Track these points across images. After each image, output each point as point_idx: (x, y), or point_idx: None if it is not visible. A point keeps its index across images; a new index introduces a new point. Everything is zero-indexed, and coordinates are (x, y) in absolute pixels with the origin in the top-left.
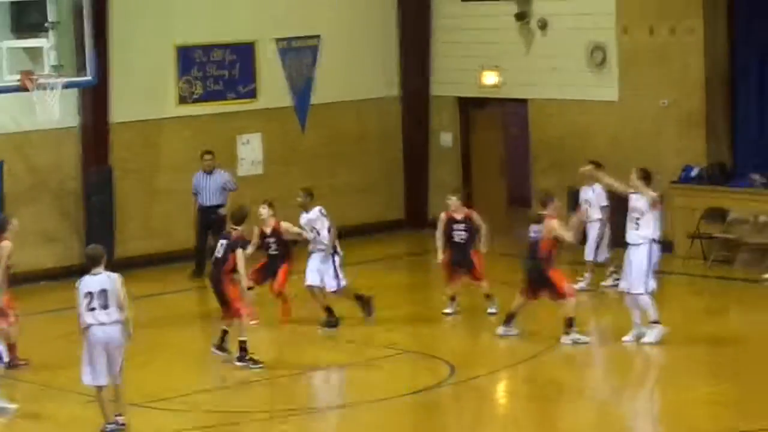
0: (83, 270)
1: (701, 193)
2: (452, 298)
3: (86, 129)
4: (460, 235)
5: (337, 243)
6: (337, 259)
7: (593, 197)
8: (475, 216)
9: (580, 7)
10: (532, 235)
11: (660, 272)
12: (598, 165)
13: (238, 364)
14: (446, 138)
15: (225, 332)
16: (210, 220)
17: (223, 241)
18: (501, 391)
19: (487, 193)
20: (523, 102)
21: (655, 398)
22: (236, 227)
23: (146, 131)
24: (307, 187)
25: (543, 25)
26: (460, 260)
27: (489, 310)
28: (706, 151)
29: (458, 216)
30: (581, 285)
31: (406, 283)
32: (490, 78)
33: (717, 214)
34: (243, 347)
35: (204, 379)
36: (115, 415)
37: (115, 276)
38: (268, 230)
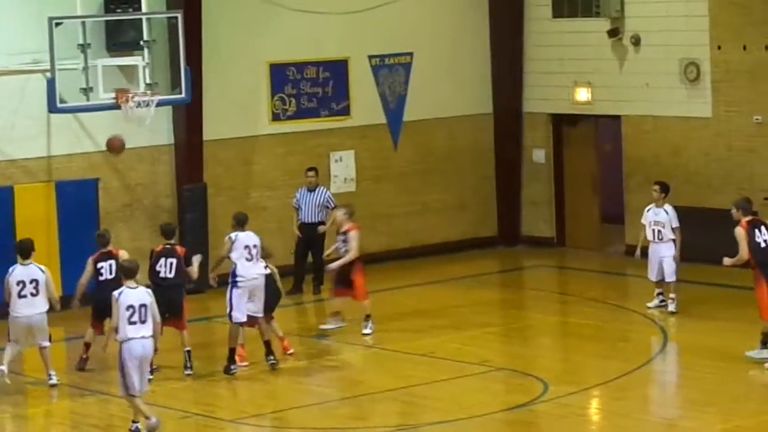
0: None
1: None
2: (335, 313)
3: (180, 146)
4: (339, 250)
5: None
6: None
7: (666, 218)
8: (352, 234)
9: (673, 23)
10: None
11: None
12: (664, 187)
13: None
14: (539, 155)
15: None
16: (310, 237)
17: (172, 260)
18: (594, 408)
19: (580, 210)
20: (616, 118)
21: (746, 417)
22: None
23: (239, 148)
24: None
25: (636, 41)
26: (341, 277)
27: (363, 331)
28: None
29: (342, 229)
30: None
31: (498, 300)
32: (582, 94)
33: None
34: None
35: (299, 396)
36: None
37: (150, 292)
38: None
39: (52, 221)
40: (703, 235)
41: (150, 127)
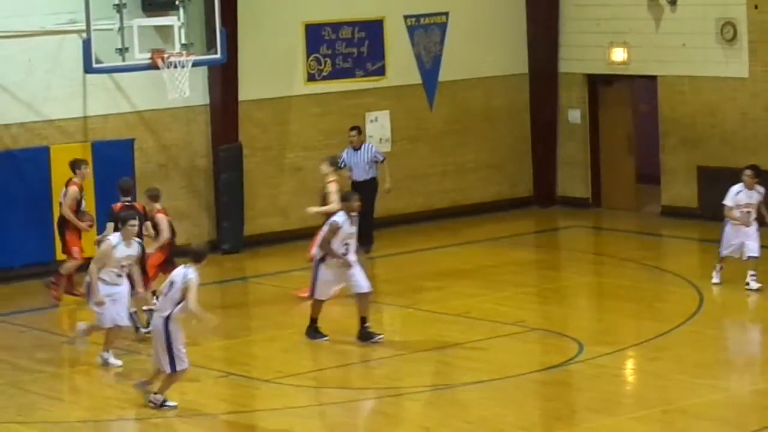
0: (214, 247)
1: None
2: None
3: (216, 107)
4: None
5: None
6: None
7: (759, 200)
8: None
9: None
10: None
11: None
12: (757, 171)
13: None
14: (574, 115)
15: None
16: (362, 195)
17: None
18: (629, 368)
19: (616, 171)
20: (652, 78)
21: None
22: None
23: (275, 109)
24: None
25: (672, 1)
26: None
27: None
28: None
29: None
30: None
31: (533, 260)
32: (618, 54)
33: None
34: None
35: (335, 356)
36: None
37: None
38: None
39: (87, 181)
40: None
41: (185, 86)
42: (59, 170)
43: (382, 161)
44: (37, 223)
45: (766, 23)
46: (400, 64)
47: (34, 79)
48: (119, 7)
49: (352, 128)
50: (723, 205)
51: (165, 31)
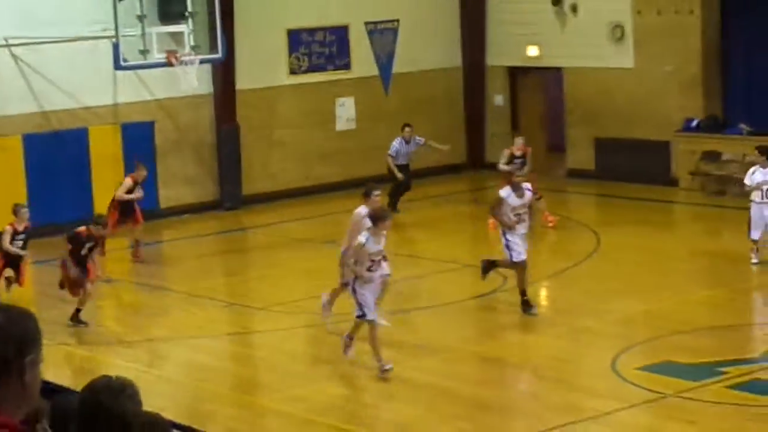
0: (218, 205)
1: (700, 139)
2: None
3: (218, 95)
4: None
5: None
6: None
7: None
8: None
9: None
10: None
11: (669, 202)
12: (763, 150)
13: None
14: (499, 99)
15: None
16: (407, 175)
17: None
18: (543, 296)
19: (531, 141)
20: (559, 70)
21: (663, 300)
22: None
23: (265, 96)
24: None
25: (574, 9)
26: None
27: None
28: (704, 106)
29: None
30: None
31: (468, 213)
32: (533, 51)
33: (713, 156)
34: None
35: (312, 288)
36: None
37: None
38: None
39: (118, 155)
40: (624, 159)
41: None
42: (96, 147)
43: (425, 143)
44: (77, 188)
45: (647, 25)
46: (362, 60)
47: (75, 74)
48: (141, 18)
49: (407, 125)
50: (744, 185)
51: (177, 36)
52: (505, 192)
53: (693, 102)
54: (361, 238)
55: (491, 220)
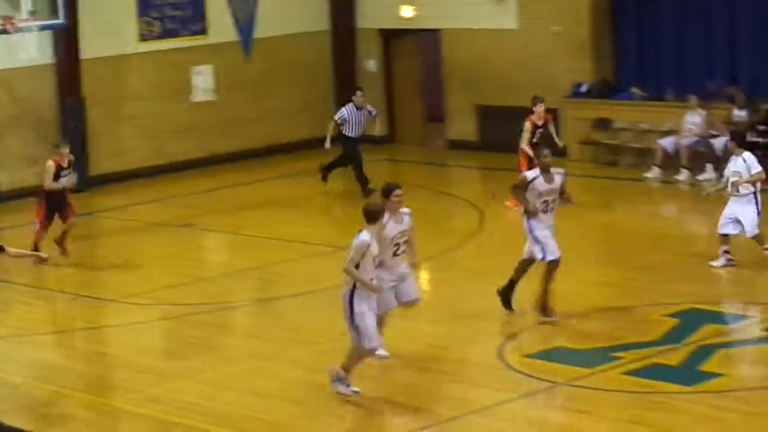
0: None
1: (590, 105)
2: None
3: (60, 65)
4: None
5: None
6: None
7: (744, 167)
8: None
9: None
10: None
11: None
12: (734, 135)
13: None
14: (371, 64)
15: None
16: (358, 148)
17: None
18: (424, 279)
19: (408, 112)
20: (436, 32)
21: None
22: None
23: (113, 66)
24: None
25: None
26: None
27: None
28: (593, 70)
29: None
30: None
31: (340, 191)
32: (407, 11)
33: (604, 124)
34: None
35: (170, 277)
36: None
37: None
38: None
39: None
40: (504, 129)
41: (33, 48)
42: None
43: (376, 115)
44: None
45: None
46: (220, 24)
47: None
48: None
49: (359, 88)
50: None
51: (13, 0)
52: (532, 174)
53: (582, 65)
54: (364, 236)
55: (510, 201)
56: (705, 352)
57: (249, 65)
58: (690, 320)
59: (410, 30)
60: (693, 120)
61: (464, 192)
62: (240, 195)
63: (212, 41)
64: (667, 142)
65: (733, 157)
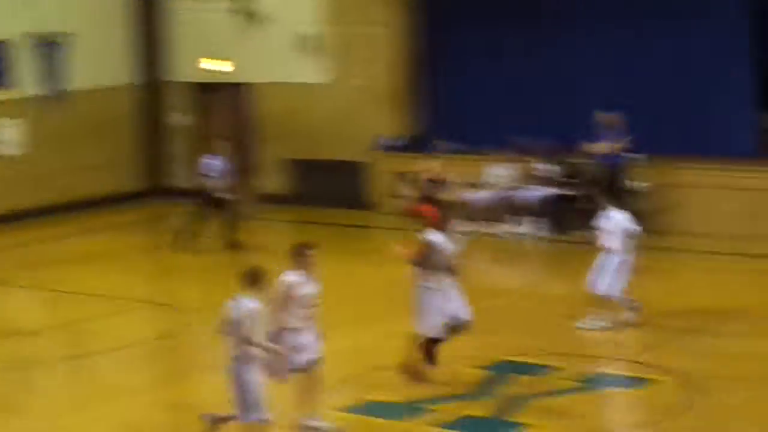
0: None
1: (398, 159)
2: None
3: None
4: None
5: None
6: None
7: (611, 225)
8: None
9: (289, 3)
10: None
11: (368, 227)
12: (603, 189)
13: None
14: (181, 118)
15: None
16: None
17: None
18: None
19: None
20: (248, 86)
21: (362, 333)
22: None
23: None
24: None
25: (257, 19)
26: None
27: None
28: (401, 123)
29: None
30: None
31: (146, 244)
32: (218, 66)
33: (410, 177)
34: None
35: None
36: None
37: None
38: None
39: None
40: (319, 182)
41: None
42: None
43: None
44: None
45: (339, 38)
46: (29, 78)
47: None
48: None
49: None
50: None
51: None
52: (434, 236)
53: (390, 119)
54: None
55: (397, 248)
56: (515, 402)
57: (59, 120)
58: (501, 371)
59: (224, 84)
60: (499, 173)
61: (273, 246)
62: (49, 250)
63: (19, 95)
64: (474, 195)
65: (601, 212)
